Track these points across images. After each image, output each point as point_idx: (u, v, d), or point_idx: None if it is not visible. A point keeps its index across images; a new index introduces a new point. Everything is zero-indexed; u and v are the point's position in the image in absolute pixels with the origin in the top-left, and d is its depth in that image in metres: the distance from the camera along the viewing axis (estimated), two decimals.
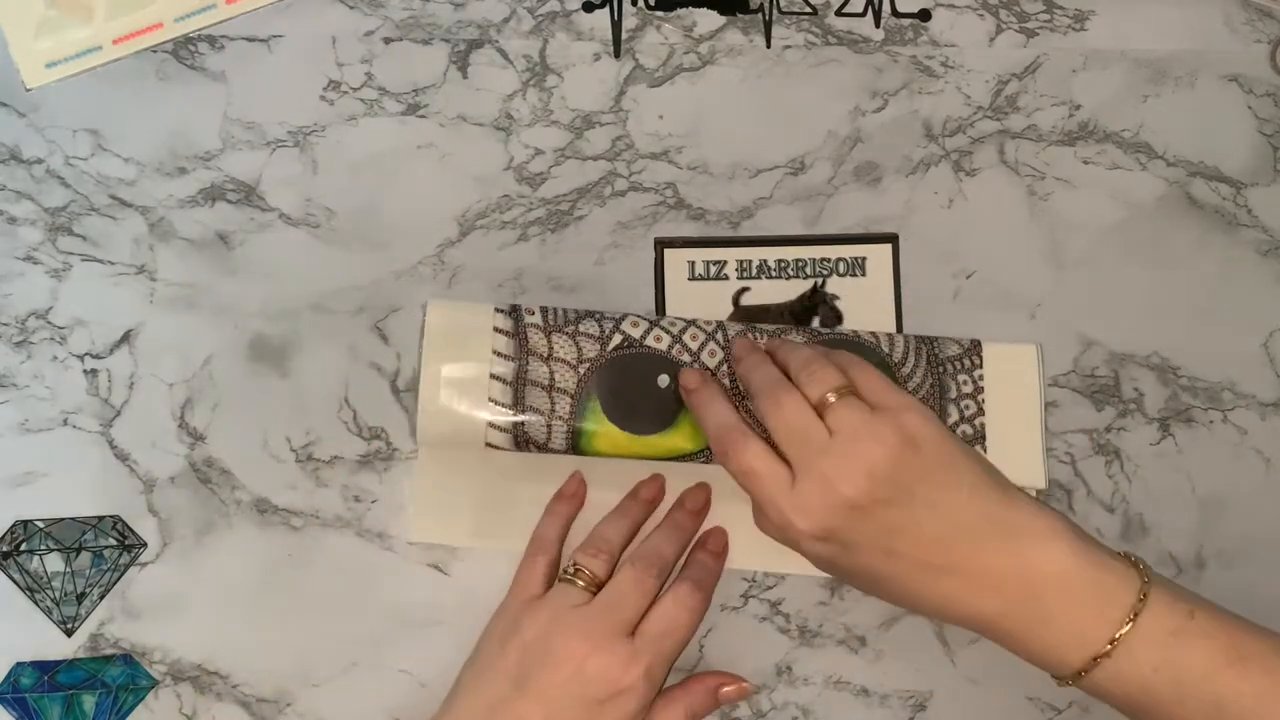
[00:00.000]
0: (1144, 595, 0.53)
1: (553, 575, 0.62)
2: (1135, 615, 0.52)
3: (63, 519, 0.63)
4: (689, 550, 0.63)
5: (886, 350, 0.64)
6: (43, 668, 0.62)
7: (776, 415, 0.56)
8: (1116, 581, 0.53)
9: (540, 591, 0.60)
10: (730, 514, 0.64)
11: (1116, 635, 0.52)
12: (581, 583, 0.60)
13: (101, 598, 0.63)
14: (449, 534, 0.64)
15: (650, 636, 0.58)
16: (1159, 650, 0.52)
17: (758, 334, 0.63)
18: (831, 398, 0.55)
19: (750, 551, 0.64)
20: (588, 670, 0.57)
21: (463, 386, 0.61)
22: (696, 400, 0.60)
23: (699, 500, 0.64)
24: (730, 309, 0.67)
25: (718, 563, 0.63)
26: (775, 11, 0.68)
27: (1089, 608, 0.53)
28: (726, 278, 0.67)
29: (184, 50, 0.66)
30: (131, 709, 0.62)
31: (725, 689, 0.62)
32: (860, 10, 0.69)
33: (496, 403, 0.61)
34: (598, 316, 0.63)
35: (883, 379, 0.57)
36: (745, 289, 0.67)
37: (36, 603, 0.62)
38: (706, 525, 0.65)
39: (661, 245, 0.67)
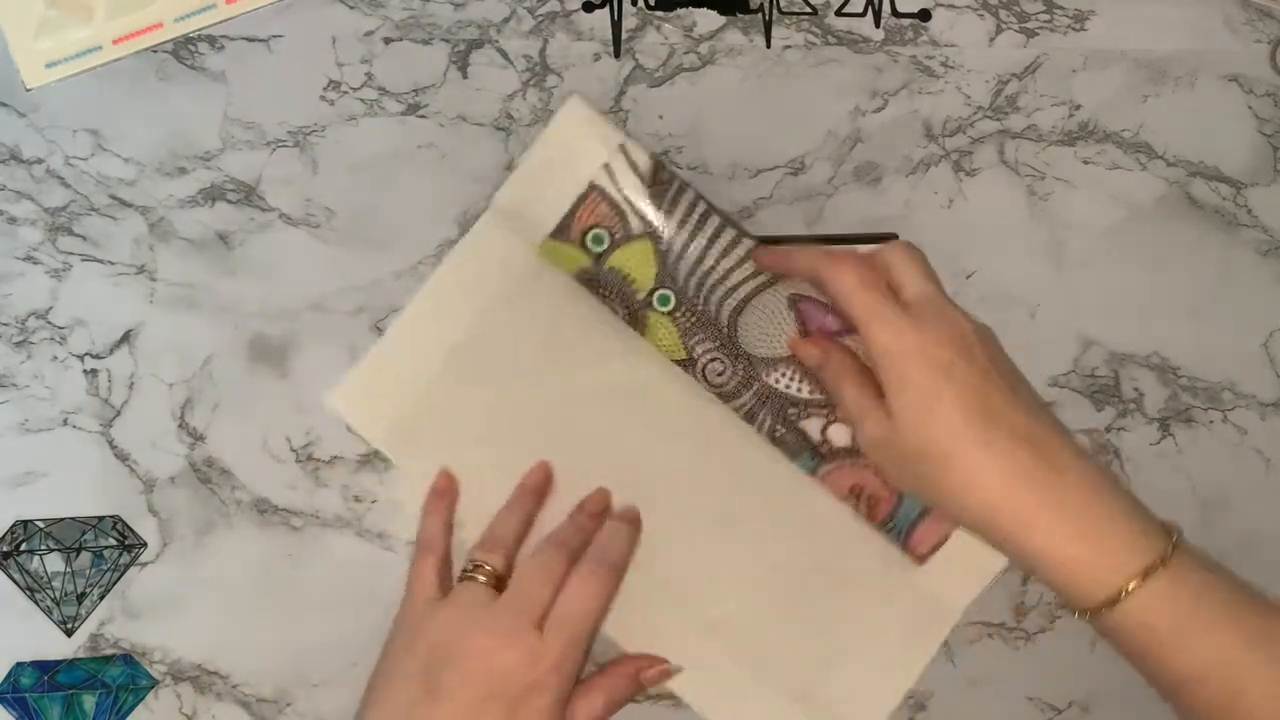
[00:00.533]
0: (1173, 550, 0.53)
1: (445, 574, 0.60)
2: (1165, 559, 0.52)
3: (63, 519, 0.63)
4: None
5: None
6: (43, 668, 0.62)
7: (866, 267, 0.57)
8: (1156, 526, 0.54)
9: (436, 593, 0.59)
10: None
11: (1151, 564, 0.52)
12: (482, 578, 0.58)
13: (101, 598, 0.63)
14: (369, 420, 0.62)
15: (558, 626, 0.56)
16: (1181, 597, 0.53)
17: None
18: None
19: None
20: (497, 667, 0.55)
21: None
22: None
23: (599, 503, 0.63)
24: None
25: (630, 530, 0.61)
26: (775, 11, 0.68)
27: (1127, 537, 0.53)
28: None
29: (184, 50, 0.66)
30: (131, 709, 0.62)
31: (647, 672, 0.61)
32: (860, 10, 0.69)
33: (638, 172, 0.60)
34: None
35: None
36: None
37: (36, 603, 0.62)
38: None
39: None
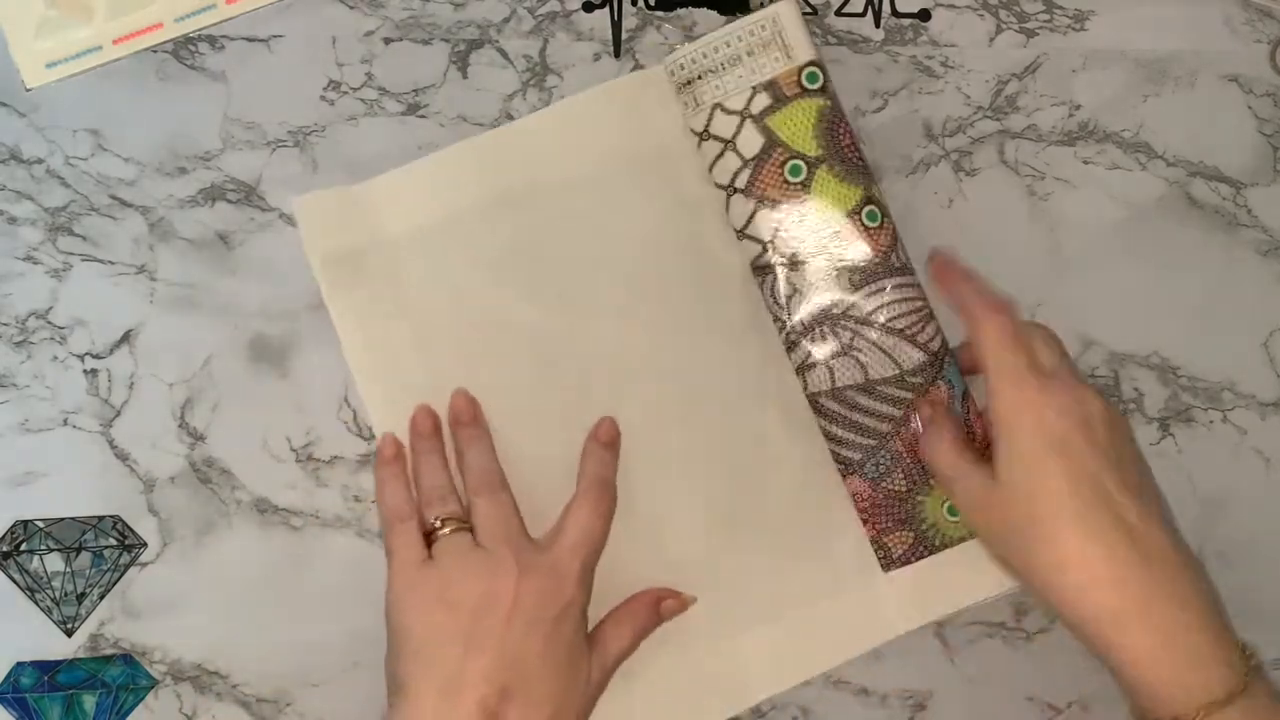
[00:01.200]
0: (1247, 680, 0.53)
1: (425, 537, 0.60)
2: (1240, 691, 0.53)
3: (63, 519, 0.63)
4: (584, 445, 0.63)
5: None
6: (43, 668, 0.62)
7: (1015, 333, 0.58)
8: (1237, 652, 0.54)
9: (425, 554, 0.59)
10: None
11: (1227, 695, 0.52)
12: (451, 528, 0.59)
13: (101, 598, 0.63)
14: (318, 236, 0.64)
15: (569, 547, 0.58)
16: None
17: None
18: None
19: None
20: (524, 598, 0.56)
21: None
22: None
23: (467, 410, 0.63)
24: None
25: (611, 452, 0.63)
26: None
27: (1207, 662, 0.53)
28: None
29: (184, 50, 0.66)
30: (131, 709, 0.62)
31: (666, 602, 0.62)
32: (860, 10, 0.69)
33: None
34: None
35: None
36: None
37: (36, 603, 0.62)
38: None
39: None
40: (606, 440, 0.63)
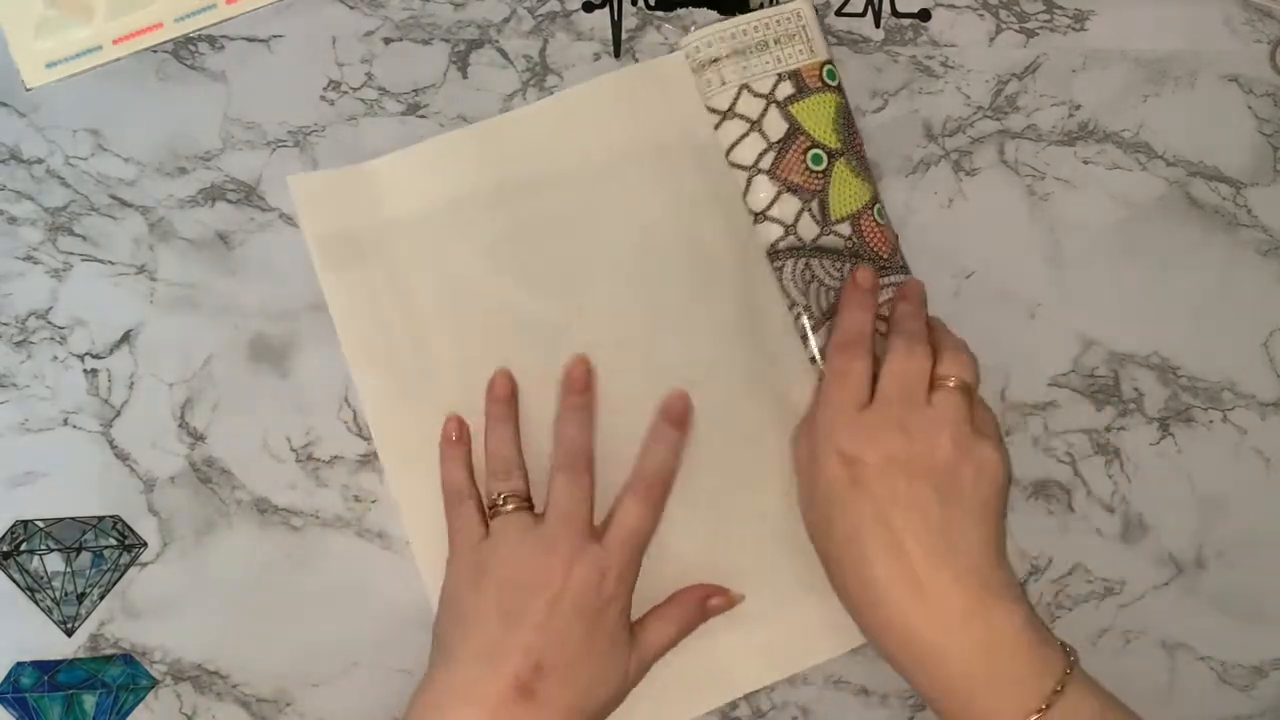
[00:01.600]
0: (1063, 684, 0.55)
1: (484, 514, 0.61)
2: (1052, 700, 0.54)
3: (63, 519, 0.63)
4: (652, 424, 0.63)
5: None
6: (43, 668, 0.62)
7: (904, 359, 0.59)
8: (1055, 657, 0.56)
9: (483, 532, 0.60)
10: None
11: (1040, 708, 0.54)
12: (512, 505, 0.60)
13: (101, 598, 0.63)
14: (315, 217, 0.64)
15: (619, 541, 0.59)
16: None
17: None
18: (951, 383, 0.59)
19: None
20: (573, 585, 0.57)
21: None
22: (850, 297, 0.62)
23: (582, 377, 0.63)
24: None
25: (677, 432, 0.63)
26: None
27: (1025, 680, 0.55)
28: None
29: (184, 50, 0.66)
30: (131, 709, 0.62)
31: (713, 600, 0.63)
32: (860, 10, 0.69)
33: None
34: None
35: (996, 421, 0.62)
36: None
37: (36, 603, 0.62)
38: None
39: None
40: (675, 419, 0.63)
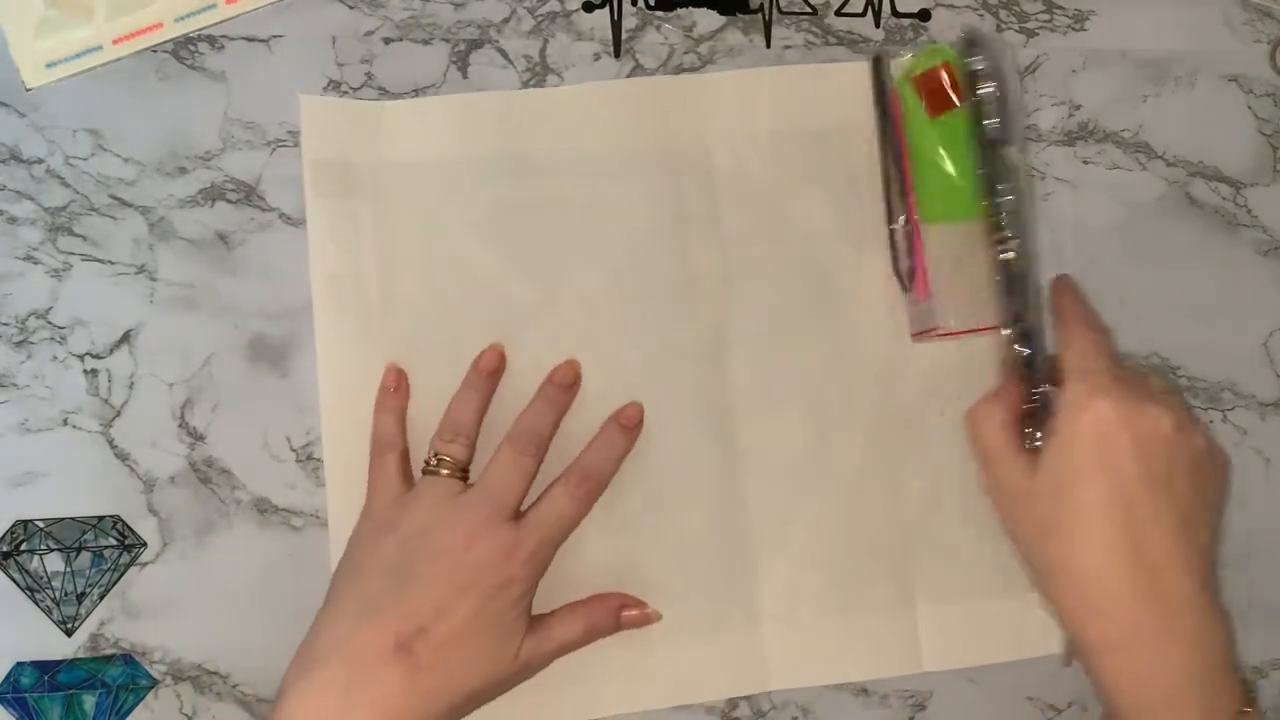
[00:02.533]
0: (1248, 706, 0.53)
1: (406, 470, 0.61)
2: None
3: (63, 519, 0.63)
4: (603, 425, 0.63)
5: None
6: (43, 668, 0.62)
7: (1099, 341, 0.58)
8: (1238, 681, 0.54)
9: (402, 488, 0.60)
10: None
11: None
12: (446, 471, 0.59)
13: (101, 598, 0.63)
14: (317, 140, 0.64)
15: (535, 524, 0.58)
16: None
17: None
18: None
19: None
20: (473, 559, 0.57)
21: None
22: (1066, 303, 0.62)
23: (568, 376, 0.63)
24: None
25: (626, 438, 0.63)
26: (775, 11, 0.68)
27: (1221, 690, 0.54)
28: None
29: (184, 50, 0.66)
30: (131, 709, 0.62)
31: (628, 612, 0.62)
32: (860, 10, 0.69)
33: None
34: None
35: None
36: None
37: (36, 603, 0.62)
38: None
39: None
40: (627, 424, 0.63)
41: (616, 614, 0.62)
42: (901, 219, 0.65)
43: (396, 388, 0.63)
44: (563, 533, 0.60)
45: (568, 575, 0.62)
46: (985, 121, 0.61)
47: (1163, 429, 0.55)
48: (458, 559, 0.57)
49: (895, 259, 0.65)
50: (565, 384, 0.63)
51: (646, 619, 0.63)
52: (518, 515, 0.59)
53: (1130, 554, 0.54)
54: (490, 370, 0.63)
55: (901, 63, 0.66)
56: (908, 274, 0.65)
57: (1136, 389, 0.56)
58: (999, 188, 0.61)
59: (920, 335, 0.65)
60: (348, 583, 0.58)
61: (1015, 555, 0.59)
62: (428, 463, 0.60)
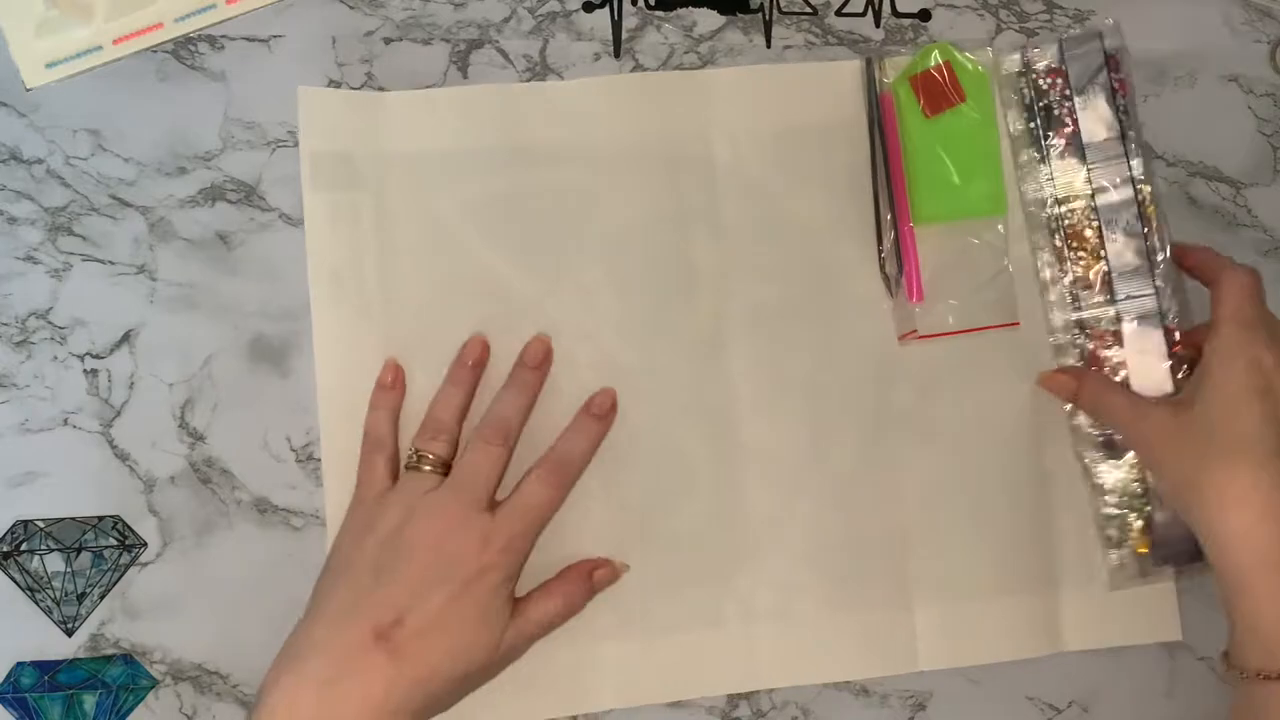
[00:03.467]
0: None
1: (395, 469, 0.62)
2: None
3: (63, 519, 0.63)
4: (576, 414, 0.63)
5: None
6: (43, 668, 0.62)
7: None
8: None
9: (386, 486, 0.60)
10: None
11: None
12: (427, 467, 0.60)
13: (101, 598, 0.63)
14: (315, 132, 0.64)
15: (509, 513, 0.59)
16: None
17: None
18: None
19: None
20: (447, 551, 0.57)
21: None
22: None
23: (538, 354, 0.63)
24: None
25: (599, 426, 0.63)
26: (775, 11, 0.68)
27: None
28: None
29: (184, 50, 0.66)
30: (131, 709, 0.62)
31: (598, 572, 0.63)
32: (860, 10, 0.69)
33: None
34: None
35: None
36: None
37: (37, 603, 0.62)
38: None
39: None
40: (599, 413, 0.63)
41: (588, 578, 0.62)
42: (889, 217, 0.65)
43: (393, 384, 0.63)
44: (539, 520, 0.60)
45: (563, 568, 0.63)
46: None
47: None
48: (433, 552, 0.57)
49: (883, 263, 0.65)
50: (535, 363, 0.63)
51: (615, 574, 0.63)
52: (493, 505, 0.59)
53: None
54: (475, 362, 0.63)
55: (899, 61, 0.67)
56: (895, 278, 0.65)
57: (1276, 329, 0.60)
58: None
59: (906, 337, 0.65)
60: (329, 585, 0.58)
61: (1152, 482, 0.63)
62: (409, 461, 0.61)
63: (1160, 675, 0.67)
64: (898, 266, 0.65)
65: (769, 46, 0.68)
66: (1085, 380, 0.64)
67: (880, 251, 0.65)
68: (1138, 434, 0.61)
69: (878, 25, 0.69)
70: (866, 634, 0.65)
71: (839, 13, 0.69)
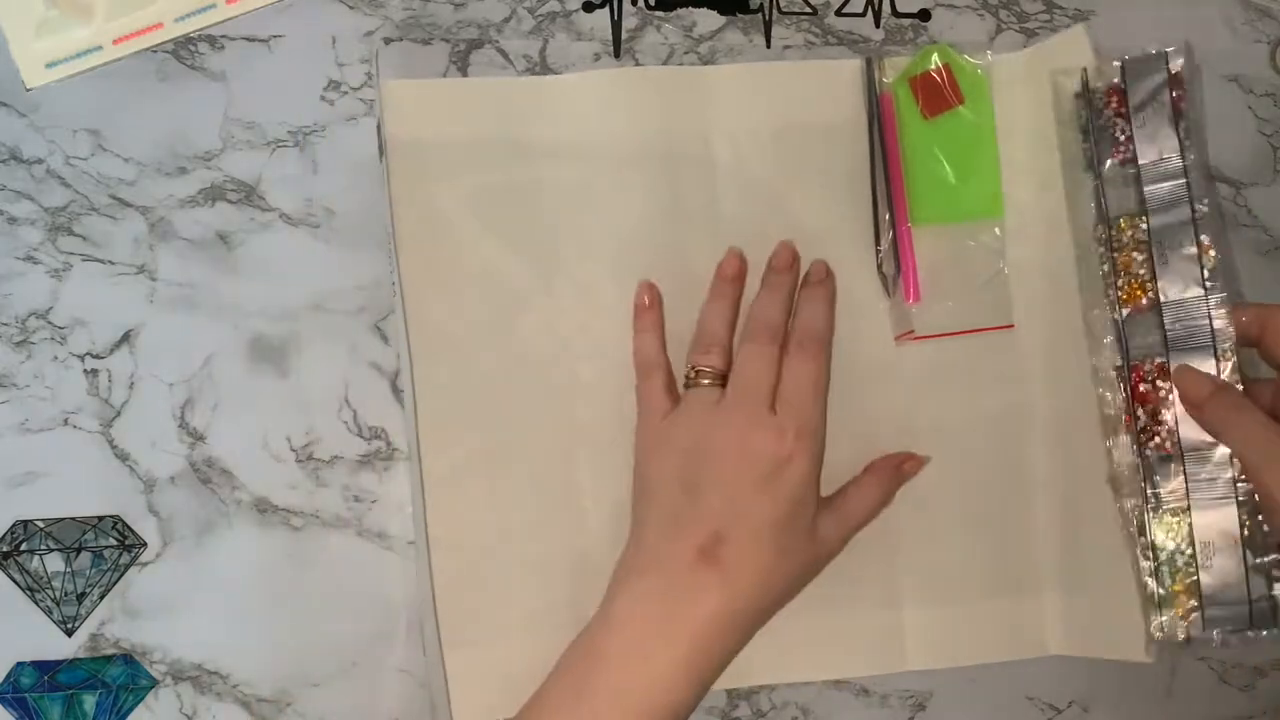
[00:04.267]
0: None
1: (672, 388, 0.63)
2: None
3: (63, 519, 0.63)
4: (800, 293, 0.64)
5: None
6: (43, 668, 0.62)
7: None
8: None
9: (668, 405, 0.62)
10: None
11: None
12: (707, 381, 0.61)
13: (101, 598, 0.63)
14: (399, 121, 0.64)
15: (788, 401, 0.60)
16: None
17: None
18: None
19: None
20: (748, 452, 0.59)
21: None
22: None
23: (786, 257, 0.64)
24: None
25: (825, 292, 0.64)
26: (775, 11, 0.68)
27: None
28: None
29: (184, 50, 0.66)
30: (131, 709, 0.62)
31: (907, 464, 0.64)
32: (860, 10, 0.69)
33: None
34: None
35: None
36: None
37: (36, 603, 0.62)
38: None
39: None
40: (816, 278, 0.64)
41: (899, 469, 0.64)
42: (887, 217, 0.65)
43: (651, 302, 0.64)
44: (819, 398, 0.61)
45: (556, 567, 0.63)
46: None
47: None
48: (736, 458, 0.58)
49: (880, 263, 0.65)
50: (784, 267, 0.64)
51: (920, 465, 0.65)
52: (773, 405, 0.60)
53: None
54: (734, 275, 0.64)
55: (898, 62, 0.67)
56: (892, 279, 0.65)
57: None
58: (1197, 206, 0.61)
59: (903, 338, 0.65)
60: (643, 504, 0.60)
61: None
62: (688, 377, 0.62)
63: (1160, 675, 0.67)
64: (895, 267, 0.65)
65: (769, 46, 0.68)
66: (1217, 394, 0.59)
67: (878, 251, 0.66)
68: (1273, 477, 0.57)
69: (877, 25, 0.69)
70: (856, 633, 0.64)
71: (839, 13, 0.69)
